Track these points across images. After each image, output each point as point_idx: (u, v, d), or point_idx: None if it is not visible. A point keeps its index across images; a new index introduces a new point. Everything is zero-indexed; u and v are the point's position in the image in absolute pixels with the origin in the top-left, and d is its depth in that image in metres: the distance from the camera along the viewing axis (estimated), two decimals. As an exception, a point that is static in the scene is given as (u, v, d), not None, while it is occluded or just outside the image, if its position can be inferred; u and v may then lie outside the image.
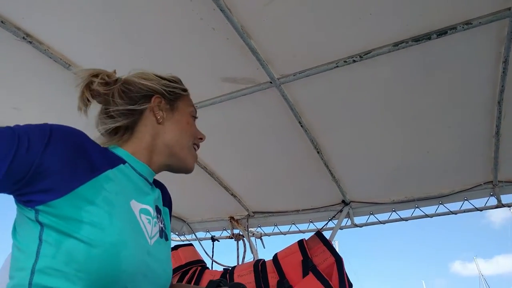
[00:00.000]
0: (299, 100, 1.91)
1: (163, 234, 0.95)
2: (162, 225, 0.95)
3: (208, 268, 2.77)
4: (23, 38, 1.56)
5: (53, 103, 1.88)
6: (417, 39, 1.53)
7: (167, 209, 1.06)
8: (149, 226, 0.87)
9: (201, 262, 2.76)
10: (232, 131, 2.21)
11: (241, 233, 3.15)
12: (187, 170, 1.03)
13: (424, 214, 2.61)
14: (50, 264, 0.71)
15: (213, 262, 3.08)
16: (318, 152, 2.23)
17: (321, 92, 1.85)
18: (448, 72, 1.70)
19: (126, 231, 0.78)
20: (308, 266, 2.20)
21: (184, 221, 3.34)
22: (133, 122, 0.96)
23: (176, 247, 2.78)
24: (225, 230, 3.26)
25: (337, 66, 1.68)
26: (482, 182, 2.42)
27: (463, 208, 2.53)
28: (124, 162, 0.90)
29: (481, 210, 2.51)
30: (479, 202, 2.51)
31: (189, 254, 2.75)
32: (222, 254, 3.25)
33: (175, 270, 2.51)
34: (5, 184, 0.70)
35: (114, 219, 0.76)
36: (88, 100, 0.94)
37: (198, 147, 1.07)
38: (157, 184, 1.05)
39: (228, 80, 1.80)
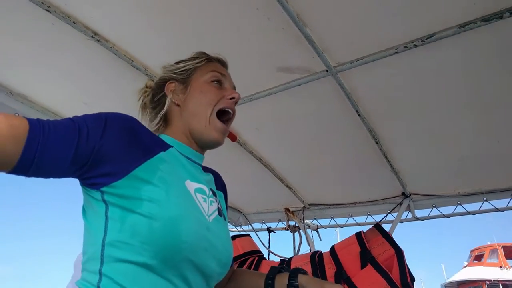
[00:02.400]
0: (357, 88, 1.86)
1: (222, 214, 0.99)
2: (219, 206, 0.99)
3: (265, 258, 2.80)
4: (92, 36, 1.67)
5: (120, 98, 1.99)
6: (486, 19, 1.42)
7: (221, 193, 1.10)
8: (205, 205, 0.91)
9: (258, 253, 2.80)
10: (288, 122, 2.21)
11: (297, 225, 3.15)
12: (212, 144, 0.99)
13: (494, 207, 2.44)
14: (117, 237, 0.78)
15: (270, 253, 3.11)
16: (376, 142, 2.16)
17: (380, 79, 1.78)
18: (523, 53, 1.56)
19: (183, 207, 0.83)
20: (366, 258, 2.15)
21: (241, 212, 3.41)
22: (165, 113, 1.03)
23: (233, 237, 2.84)
24: (281, 221, 3.27)
25: (397, 52, 1.61)
26: (561, 174, 2.21)
27: (538, 201, 2.33)
28: (171, 146, 0.95)
29: (559, 204, 2.30)
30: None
31: (246, 244, 2.80)
32: (278, 246, 3.28)
33: (233, 259, 2.57)
34: (71, 170, 0.77)
35: (171, 196, 0.81)
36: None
37: (231, 108, 1.01)
38: (209, 170, 1.09)
39: (283, 70, 1.80)
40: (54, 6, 1.55)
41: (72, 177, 0.80)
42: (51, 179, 0.78)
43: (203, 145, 1.01)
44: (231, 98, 1.01)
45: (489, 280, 21.65)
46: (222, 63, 1.11)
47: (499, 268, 21.86)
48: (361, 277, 2.11)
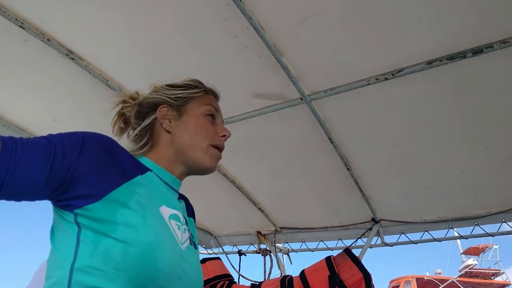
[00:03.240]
0: (330, 117, 1.91)
1: (192, 242, 0.98)
2: (190, 234, 0.98)
3: (235, 282, 2.76)
4: (66, 54, 1.65)
5: (92, 117, 1.96)
6: (451, 57, 1.51)
7: (191, 219, 1.09)
8: (179, 232, 0.90)
9: (228, 276, 2.75)
10: (262, 146, 2.23)
11: (268, 248, 3.13)
12: (207, 171, 1.01)
13: (459, 235, 2.52)
14: (89, 263, 0.74)
15: (240, 276, 3.07)
16: (348, 169, 2.21)
17: (352, 109, 1.84)
18: (485, 91, 1.65)
19: (160, 233, 0.81)
20: (335, 282, 2.15)
21: (212, 234, 3.36)
22: (150, 135, 1.01)
23: (204, 260, 2.79)
24: (252, 244, 3.25)
25: (369, 84, 1.67)
26: (521, 204, 2.32)
27: (501, 230, 2.42)
28: (150, 170, 0.93)
29: (520, 233, 2.40)
30: (518, 225, 2.40)
31: (216, 267, 2.75)
32: (249, 269, 3.24)
33: (203, 284, 2.52)
34: (45, 192, 0.74)
35: (147, 221, 0.79)
36: (122, 129, 1.05)
37: (222, 146, 1.03)
38: (181, 196, 1.08)
39: (259, 96, 1.83)
40: (28, 22, 1.52)
41: (46, 199, 0.77)
42: (23, 202, 0.75)
43: (196, 172, 1.02)
44: (222, 136, 1.03)
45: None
46: (215, 96, 1.11)
47: (410, 298, 25.10)
48: (329, 301, 2.11)
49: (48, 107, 1.98)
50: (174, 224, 0.89)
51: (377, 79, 1.64)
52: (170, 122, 1.00)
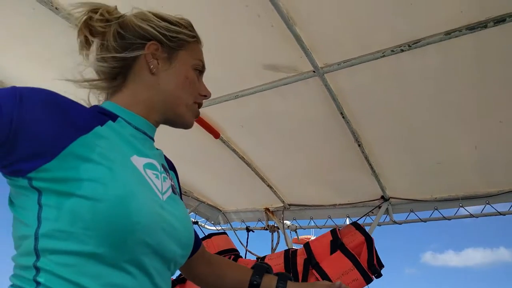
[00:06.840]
0: (342, 90, 1.87)
1: (176, 192, 0.90)
2: (172, 183, 0.91)
3: (241, 257, 2.79)
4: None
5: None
6: (471, 28, 1.45)
7: (173, 173, 1.01)
8: (158, 181, 0.82)
9: (234, 251, 2.78)
10: (272, 121, 2.20)
11: (276, 225, 3.15)
12: (185, 127, 0.95)
13: (469, 213, 2.50)
14: (54, 226, 0.68)
15: (247, 252, 3.10)
16: (359, 145, 2.18)
17: (366, 82, 1.80)
18: (504, 63, 1.60)
19: (132, 184, 0.73)
20: (336, 245, 2.16)
21: (220, 210, 3.38)
22: (125, 68, 0.88)
23: (209, 236, 2.82)
24: (260, 221, 3.26)
25: (384, 56, 1.62)
26: (534, 183, 2.29)
27: (512, 209, 2.40)
28: (114, 118, 0.82)
29: (531, 212, 2.37)
30: (530, 204, 2.38)
31: (222, 242, 2.78)
32: (256, 244, 3.27)
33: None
34: None
35: (116, 173, 0.72)
36: (87, 41, 0.88)
37: (201, 105, 0.96)
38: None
39: (270, 68, 1.79)
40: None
41: None
42: None
43: (172, 125, 0.94)
44: (204, 95, 0.96)
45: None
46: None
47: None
48: (329, 261, 2.13)
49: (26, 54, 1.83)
50: (151, 173, 0.81)
51: (392, 50, 1.59)
52: (158, 64, 0.88)
